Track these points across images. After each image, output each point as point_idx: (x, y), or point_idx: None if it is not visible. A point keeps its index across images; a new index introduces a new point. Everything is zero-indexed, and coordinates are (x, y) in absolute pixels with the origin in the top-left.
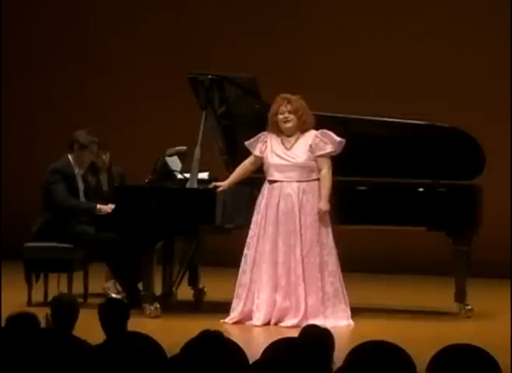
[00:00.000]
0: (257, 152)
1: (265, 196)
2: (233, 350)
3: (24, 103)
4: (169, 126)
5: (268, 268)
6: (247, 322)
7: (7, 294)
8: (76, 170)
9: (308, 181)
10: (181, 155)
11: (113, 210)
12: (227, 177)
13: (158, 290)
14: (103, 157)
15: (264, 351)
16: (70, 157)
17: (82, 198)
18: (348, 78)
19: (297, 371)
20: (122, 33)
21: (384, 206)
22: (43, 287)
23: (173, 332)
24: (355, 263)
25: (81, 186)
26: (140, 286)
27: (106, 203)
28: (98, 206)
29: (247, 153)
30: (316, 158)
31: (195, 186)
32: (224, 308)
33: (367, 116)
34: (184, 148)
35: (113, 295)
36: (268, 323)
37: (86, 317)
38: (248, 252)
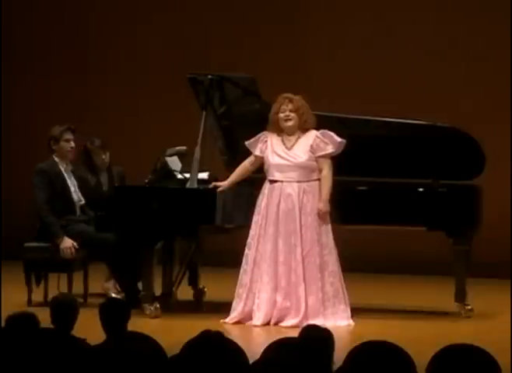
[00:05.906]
0: (257, 152)
1: (266, 196)
2: (233, 350)
3: (24, 103)
4: (169, 126)
5: (269, 268)
6: (247, 322)
7: (7, 294)
8: (63, 167)
9: (309, 181)
10: (181, 155)
11: (113, 211)
12: (227, 177)
13: (158, 290)
14: (103, 157)
15: (264, 351)
16: (54, 156)
17: (74, 195)
18: (349, 79)
19: (297, 372)
20: (122, 33)
21: (384, 206)
22: (43, 287)
23: (173, 332)
24: (355, 263)
25: (71, 182)
26: (140, 286)
27: (104, 206)
28: (65, 239)
29: (247, 153)
30: (317, 159)
31: (195, 186)
32: (224, 308)
33: (367, 116)
34: (184, 148)
35: (114, 295)
36: (268, 323)
37: (86, 317)
38: (249, 252)
